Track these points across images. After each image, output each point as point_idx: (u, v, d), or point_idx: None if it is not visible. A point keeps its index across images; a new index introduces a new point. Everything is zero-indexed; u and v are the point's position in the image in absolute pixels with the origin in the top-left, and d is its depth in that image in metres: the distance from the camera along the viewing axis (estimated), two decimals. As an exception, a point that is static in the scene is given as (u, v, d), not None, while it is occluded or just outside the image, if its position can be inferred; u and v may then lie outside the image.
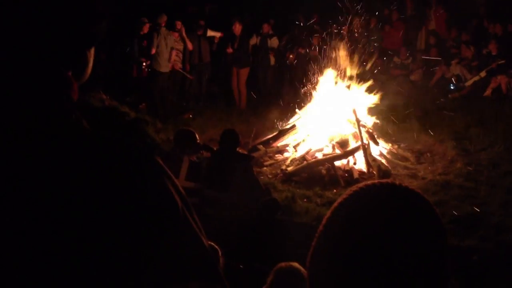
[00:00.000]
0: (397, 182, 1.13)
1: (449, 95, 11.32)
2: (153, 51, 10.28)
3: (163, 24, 10.46)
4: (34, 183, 0.83)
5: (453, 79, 11.72)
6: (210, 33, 11.81)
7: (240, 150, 6.60)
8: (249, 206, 5.73)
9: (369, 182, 1.13)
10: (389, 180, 1.13)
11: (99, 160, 0.88)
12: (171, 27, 10.80)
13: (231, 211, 5.57)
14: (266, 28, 12.27)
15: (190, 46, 11.10)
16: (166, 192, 0.91)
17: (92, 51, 1.00)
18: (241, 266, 4.57)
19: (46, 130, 0.87)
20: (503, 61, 10.82)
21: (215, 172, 5.90)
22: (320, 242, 1.10)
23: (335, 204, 1.12)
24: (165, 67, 10.48)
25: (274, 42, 12.34)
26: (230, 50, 11.56)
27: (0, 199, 0.81)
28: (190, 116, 10.75)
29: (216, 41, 12.09)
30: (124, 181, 0.88)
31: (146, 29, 10.60)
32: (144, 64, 10.39)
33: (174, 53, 10.72)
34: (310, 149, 8.51)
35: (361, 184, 1.13)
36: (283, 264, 3.13)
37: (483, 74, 11.03)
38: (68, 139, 0.88)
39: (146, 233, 0.86)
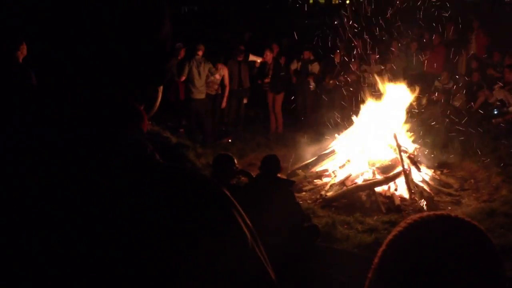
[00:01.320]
0: (453, 214, 1.12)
1: (493, 120, 11.08)
2: (183, 78, 10.47)
3: (199, 53, 10.61)
4: (109, 216, 0.84)
5: (496, 104, 11.47)
6: (251, 57, 12.04)
7: (279, 175, 6.59)
8: (290, 232, 5.68)
9: (423, 214, 1.12)
10: (444, 212, 1.12)
11: (172, 193, 0.89)
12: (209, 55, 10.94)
13: (271, 237, 5.53)
14: (307, 54, 12.40)
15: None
16: (235, 225, 0.92)
17: (162, 86, 1.07)
18: None
19: (124, 164, 0.89)
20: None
21: (255, 197, 5.84)
22: (377, 275, 1.09)
23: (390, 236, 1.12)
24: (198, 94, 10.60)
25: (315, 67, 12.43)
26: (267, 80, 11.71)
27: (77, 233, 0.83)
28: (229, 140, 10.83)
29: (257, 65, 12.27)
30: (195, 214, 0.88)
31: (182, 53, 10.81)
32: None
33: (217, 77, 10.87)
34: (350, 174, 8.41)
35: (415, 216, 1.12)
36: None
37: (527, 98, 10.78)
38: (143, 173, 0.90)
39: (216, 267, 0.86)
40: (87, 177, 0.86)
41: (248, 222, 0.95)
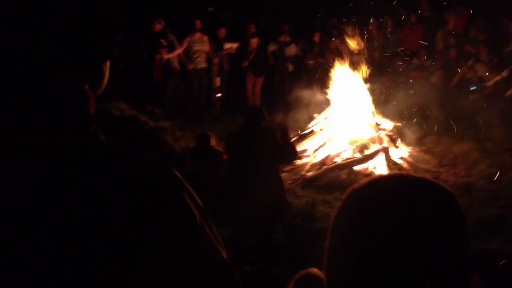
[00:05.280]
0: (411, 174, 1.06)
1: (470, 96, 11.13)
2: (182, 49, 10.88)
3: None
4: (49, 199, 0.82)
5: (474, 79, 11.51)
6: (227, 45, 11.92)
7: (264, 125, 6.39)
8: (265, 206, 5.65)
9: (377, 175, 1.09)
10: (401, 172, 1.06)
11: (116, 174, 0.87)
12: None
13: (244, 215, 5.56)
14: (283, 37, 12.38)
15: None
16: (183, 206, 0.90)
17: (108, 63, 1.01)
18: (247, 269, 4.52)
19: (64, 144, 0.86)
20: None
21: (242, 148, 5.78)
22: (331, 243, 1.05)
23: (342, 198, 1.06)
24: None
25: (291, 49, 12.41)
26: (245, 63, 11.71)
27: (16, 214, 0.81)
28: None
29: (233, 51, 12.21)
30: (141, 195, 0.86)
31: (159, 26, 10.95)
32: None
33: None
34: (330, 154, 8.45)
35: (370, 178, 1.07)
36: (303, 271, 3.08)
37: (504, 74, 10.82)
38: (85, 153, 0.88)
39: (163, 248, 0.85)
40: (25, 162, 0.83)
41: (199, 202, 0.94)
